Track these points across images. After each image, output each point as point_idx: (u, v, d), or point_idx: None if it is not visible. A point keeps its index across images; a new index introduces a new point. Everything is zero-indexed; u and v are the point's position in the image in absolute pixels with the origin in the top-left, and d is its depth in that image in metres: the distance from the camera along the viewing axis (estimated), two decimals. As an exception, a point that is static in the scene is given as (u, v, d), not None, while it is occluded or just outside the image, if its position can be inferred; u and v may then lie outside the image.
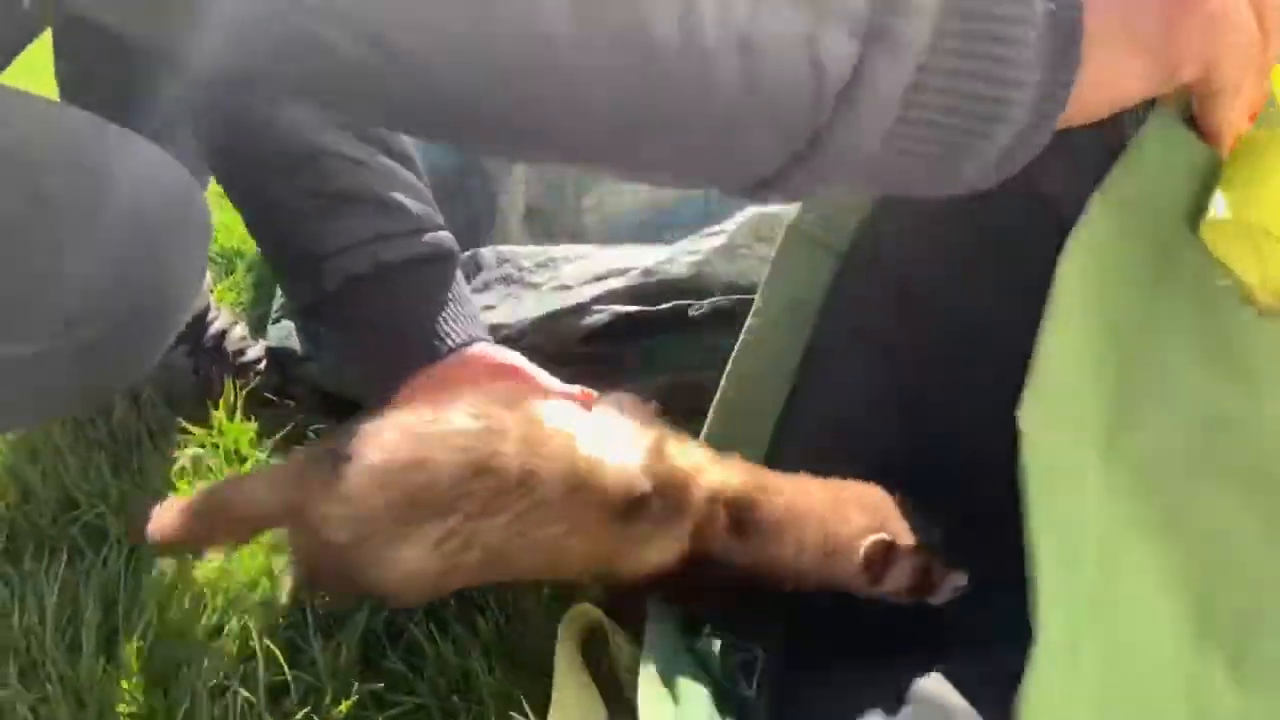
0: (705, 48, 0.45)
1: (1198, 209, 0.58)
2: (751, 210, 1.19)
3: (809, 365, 0.86)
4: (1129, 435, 0.55)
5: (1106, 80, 0.52)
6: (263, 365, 1.24)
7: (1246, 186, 0.57)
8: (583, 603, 0.81)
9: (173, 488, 1.10)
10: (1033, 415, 0.52)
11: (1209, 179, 0.58)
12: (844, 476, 0.77)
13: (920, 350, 0.84)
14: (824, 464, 0.78)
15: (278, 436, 1.15)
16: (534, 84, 0.46)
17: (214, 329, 1.24)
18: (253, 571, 0.98)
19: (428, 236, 0.94)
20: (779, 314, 0.87)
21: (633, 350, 1.20)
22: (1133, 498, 0.55)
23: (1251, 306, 0.57)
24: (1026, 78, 0.48)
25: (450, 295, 0.94)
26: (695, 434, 1.10)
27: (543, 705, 0.75)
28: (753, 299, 0.90)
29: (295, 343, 1.18)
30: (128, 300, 0.79)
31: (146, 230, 0.80)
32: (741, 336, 0.87)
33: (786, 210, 1.17)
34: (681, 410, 1.15)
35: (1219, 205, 0.56)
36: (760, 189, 0.52)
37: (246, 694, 0.86)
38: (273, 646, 0.89)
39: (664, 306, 1.14)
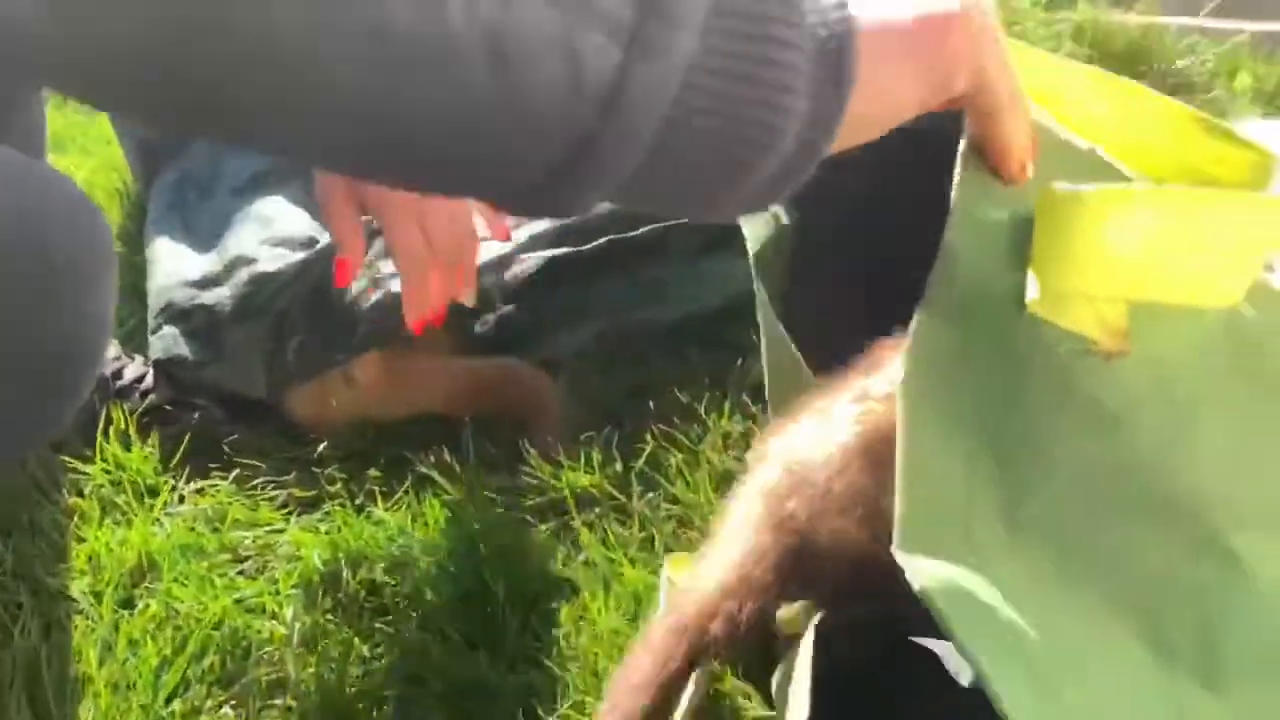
0: (447, 35, 0.40)
1: (1021, 285, 0.58)
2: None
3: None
4: (1025, 505, 0.56)
5: (881, 96, 0.52)
6: (147, 382, 1.10)
7: (1057, 260, 0.57)
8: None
9: (77, 538, 0.96)
10: (912, 542, 0.51)
11: (1024, 248, 0.58)
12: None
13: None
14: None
15: (180, 453, 1.02)
16: (256, 72, 0.40)
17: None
18: (216, 611, 0.86)
19: None
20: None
21: (560, 303, 1.12)
22: (1052, 556, 0.56)
23: (1097, 355, 0.57)
24: (794, 104, 0.47)
25: None
26: (638, 383, 1.05)
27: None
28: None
29: (183, 348, 1.05)
30: (41, 351, 0.67)
31: (52, 270, 0.67)
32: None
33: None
34: (625, 359, 1.09)
35: (1033, 286, 0.57)
36: (532, 201, 0.48)
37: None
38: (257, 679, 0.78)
39: (596, 244, 1.06)
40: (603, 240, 1.08)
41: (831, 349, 0.72)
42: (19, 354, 0.66)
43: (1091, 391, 0.57)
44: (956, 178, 0.59)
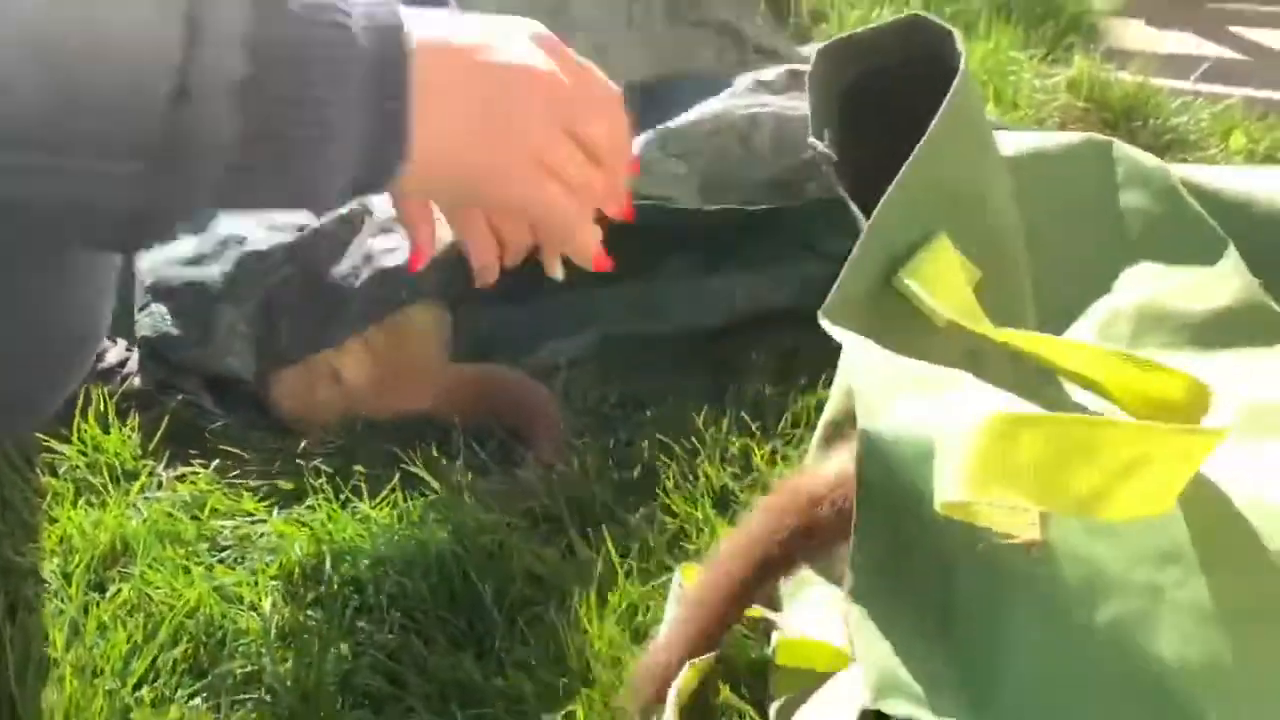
0: None
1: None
2: (655, 130, 1.13)
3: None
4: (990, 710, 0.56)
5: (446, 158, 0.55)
6: (130, 366, 1.07)
7: (962, 469, 0.57)
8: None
9: (49, 518, 0.92)
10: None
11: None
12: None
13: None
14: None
15: (160, 438, 0.99)
16: None
17: None
18: (191, 599, 0.83)
19: None
20: None
21: (559, 309, 1.11)
22: None
23: (1031, 546, 0.56)
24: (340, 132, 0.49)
25: None
26: (634, 395, 1.04)
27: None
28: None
29: (171, 327, 1.02)
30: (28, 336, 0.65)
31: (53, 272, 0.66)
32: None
33: (686, 122, 1.13)
34: (621, 371, 1.08)
35: (941, 491, 0.57)
36: (135, 226, 0.49)
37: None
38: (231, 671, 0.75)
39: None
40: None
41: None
42: (20, 352, 0.65)
43: (1028, 576, 0.57)
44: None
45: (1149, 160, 0.88)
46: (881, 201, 0.70)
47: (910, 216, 0.72)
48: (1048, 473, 0.55)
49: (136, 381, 1.05)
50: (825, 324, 0.66)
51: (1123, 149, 0.88)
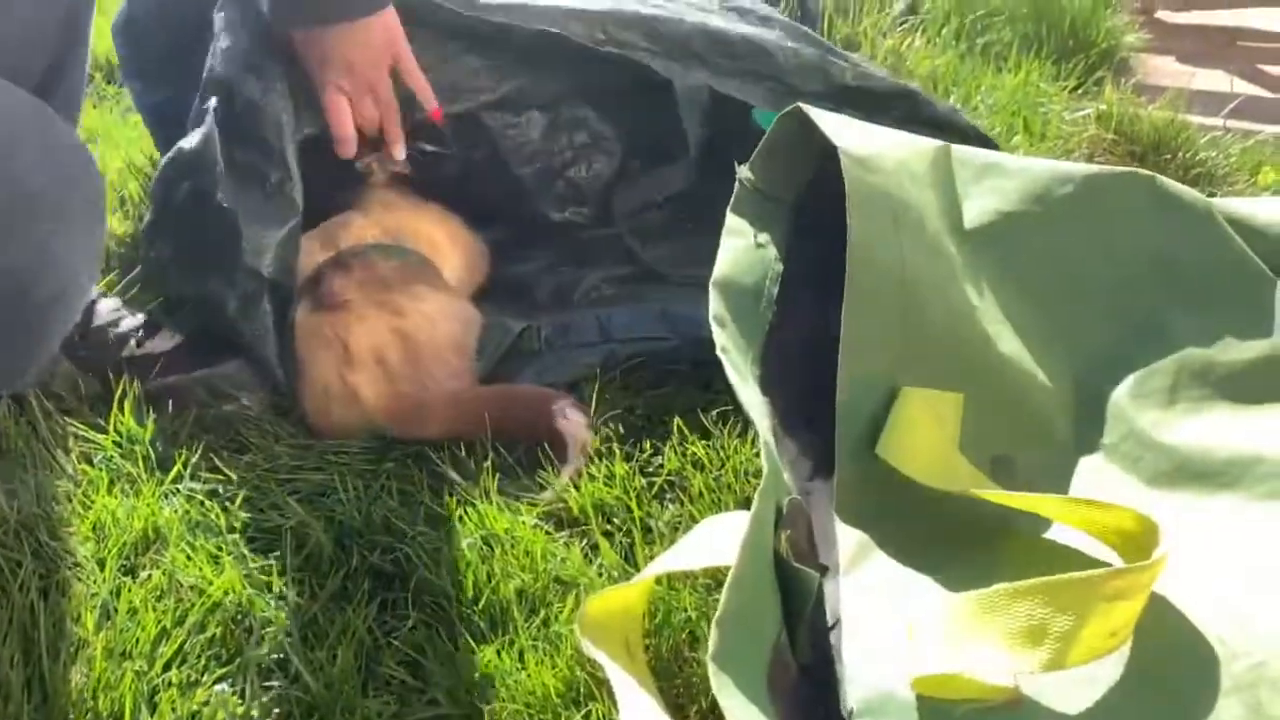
0: None
1: None
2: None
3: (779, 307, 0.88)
4: None
5: None
6: (151, 343, 1.08)
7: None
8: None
9: (83, 503, 0.94)
10: None
11: None
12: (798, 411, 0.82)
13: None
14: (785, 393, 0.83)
15: (194, 430, 1.01)
16: None
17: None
18: (221, 586, 0.84)
19: None
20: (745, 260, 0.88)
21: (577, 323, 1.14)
22: None
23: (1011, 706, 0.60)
24: None
25: None
26: (658, 407, 1.06)
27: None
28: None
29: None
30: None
31: (27, 209, 0.66)
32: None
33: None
34: (645, 384, 1.09)
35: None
36: None
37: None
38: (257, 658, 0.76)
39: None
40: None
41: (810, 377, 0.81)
42: None
43: None
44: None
45: (1192, 195, 0.89)
46: (838, 380, 0.77)
47: (868, 382, 0.78)
48: (1018, 638, 0.59)
49: (151, 346, 1.06)
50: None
51: (1166, 184, 0.89)
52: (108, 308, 1.10)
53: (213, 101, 1.05)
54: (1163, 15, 2.37)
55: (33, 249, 0.67)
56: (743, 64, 1.19)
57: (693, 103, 1.30)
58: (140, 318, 1.10)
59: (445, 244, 1.19)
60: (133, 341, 1.06)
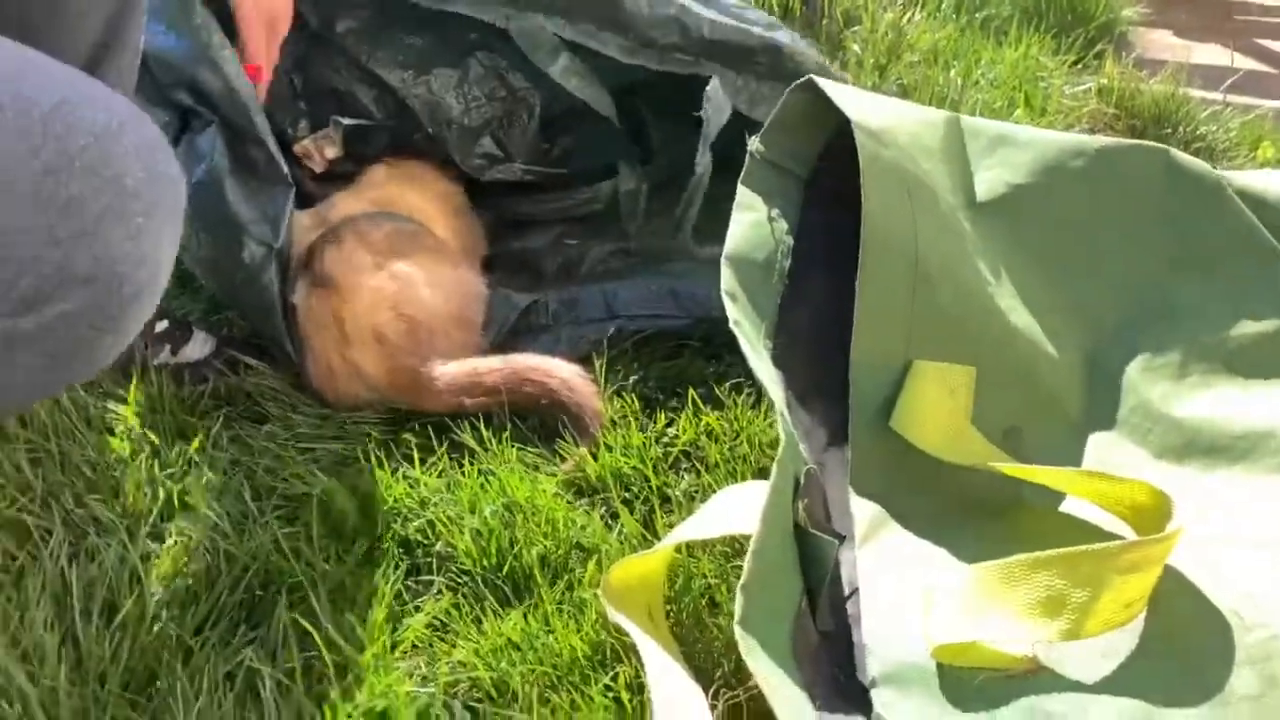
0: None
1: None
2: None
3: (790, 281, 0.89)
4: None
5: None
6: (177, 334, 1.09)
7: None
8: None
9: (108, 473, 0.95)
10: None
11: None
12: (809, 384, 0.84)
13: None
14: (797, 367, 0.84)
15: (215, 400, 1.03)
16: None
17: None
18: (249, 551, 0.85)
19: None
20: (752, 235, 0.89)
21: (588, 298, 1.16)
22: None
23: (1028, 673, 0.63)
24: None
25: None
26: (672, 379, 1.08)
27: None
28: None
29: None
30: (95, 275, 0.66)
31: (115, 194, 0.67)
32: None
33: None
34: (658, 356, 1.11)
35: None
36: None
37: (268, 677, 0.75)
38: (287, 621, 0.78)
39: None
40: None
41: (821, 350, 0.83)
42: (83, 272, 0.65)
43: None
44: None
45: (1204, 169, 0.90)
46: (851, 353, 0.79)
47: (881, 355, 0.80)
48: (1036, 608, 0.62)
49: (187, 351, 1.08)
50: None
51: (1178, 157, 0.90)
52: None
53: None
54: (1160, -11, 2.38)
55: (134, 239, 0.68)
56: (596, 11, 1.16)
57: None
58: (175, 321, 1.11)
59: (435, 213, 1.19)
60: (168, 348, 1.07)
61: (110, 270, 0.67)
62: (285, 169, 1.05)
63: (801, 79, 0.88)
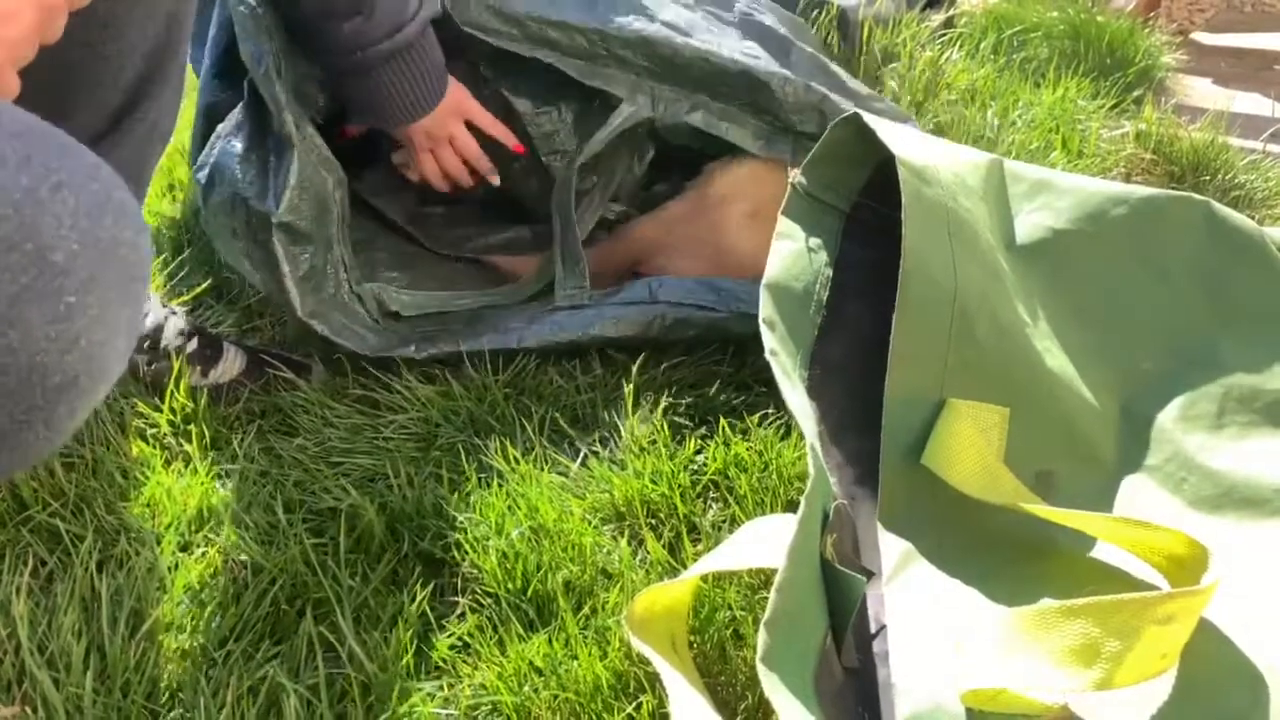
0: None
1: None
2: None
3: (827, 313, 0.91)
4: None
5: None
6: (193, 345, 1.09)
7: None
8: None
9: (138, 481, 0.96)
10: None
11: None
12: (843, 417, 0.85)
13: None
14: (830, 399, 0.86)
15: (247, 412, 1.03)
16: None
17: (148, 323, 1.08)
18: (276, 564, 0.86)
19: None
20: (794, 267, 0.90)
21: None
22: None
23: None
24: None
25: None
26: (701, 398, 1.07)
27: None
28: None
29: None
30: (9, 365, 0.56)
31: (39, 272, 0.56)
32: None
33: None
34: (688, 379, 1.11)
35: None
36: None
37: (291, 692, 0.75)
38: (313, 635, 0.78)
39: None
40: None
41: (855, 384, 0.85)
42: None
43: None
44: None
45: (1245, 222, 0.90)
46: (885, 389, 0.79)
47: (915, 392, 0.80)
48: (1069, 656, 0.61)
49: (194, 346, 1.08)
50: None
51: (1220, 210, 0.90)
52: (174, 328, 1.10)
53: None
54: (1198, 37, 2.37)
55: (53, 326, 0.58)
56: (742, 95, 1.18)
57: None
58: (181, 318, 1.11)
59: None
60: (199, 369, 1.08)
61: (29, 360, 0.58)
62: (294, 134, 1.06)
63: (847, 114, 0.89)
